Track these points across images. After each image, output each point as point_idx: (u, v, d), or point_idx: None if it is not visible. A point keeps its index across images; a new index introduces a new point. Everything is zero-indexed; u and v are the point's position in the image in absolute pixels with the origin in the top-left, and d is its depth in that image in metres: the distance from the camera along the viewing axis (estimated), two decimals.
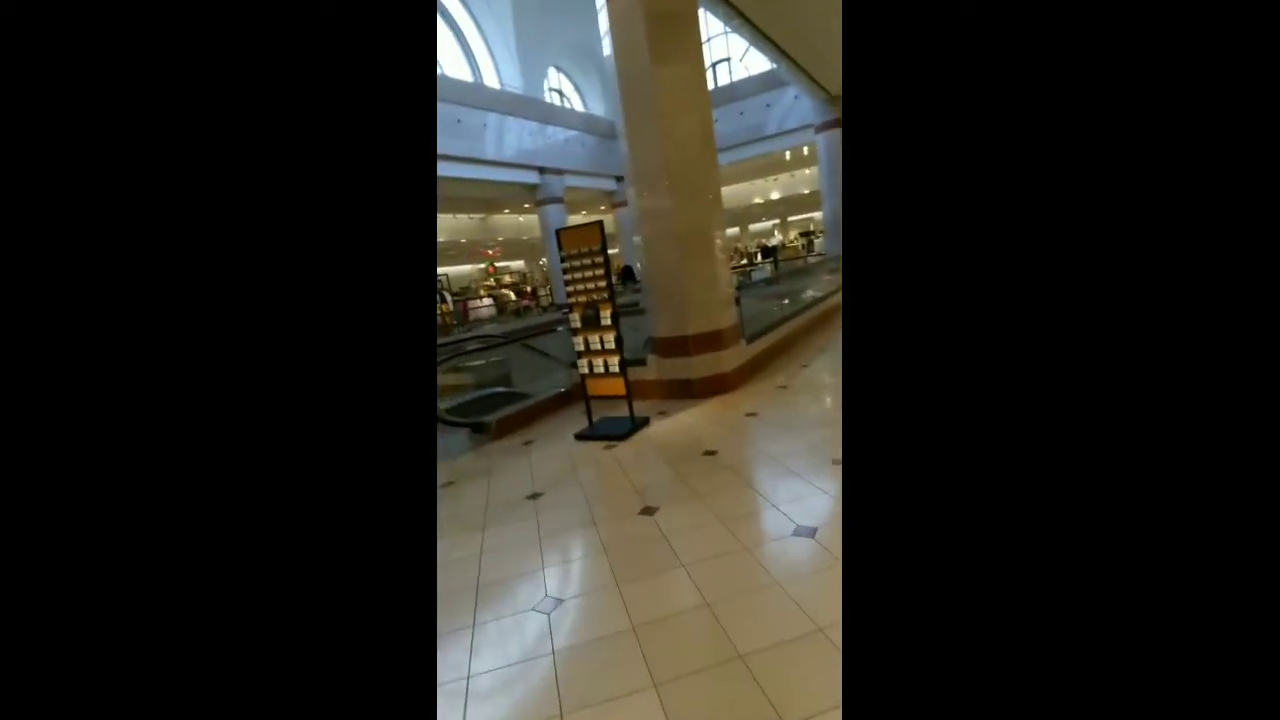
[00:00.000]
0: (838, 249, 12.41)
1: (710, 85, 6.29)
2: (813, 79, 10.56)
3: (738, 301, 5.47)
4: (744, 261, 18.68)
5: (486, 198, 17.23)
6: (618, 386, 4.22)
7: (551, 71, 20.11)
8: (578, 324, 4.28)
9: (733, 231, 25.18)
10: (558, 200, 16.38)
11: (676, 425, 4.23)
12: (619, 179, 16.73)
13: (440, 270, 18.41)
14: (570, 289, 4.27)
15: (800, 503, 2.66)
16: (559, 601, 2.15)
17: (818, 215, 19.48)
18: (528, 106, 15.88)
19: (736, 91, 16.52)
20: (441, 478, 3.79)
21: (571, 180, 16.94)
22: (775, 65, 10.46)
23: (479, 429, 4.59)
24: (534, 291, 19.78)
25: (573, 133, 17.22)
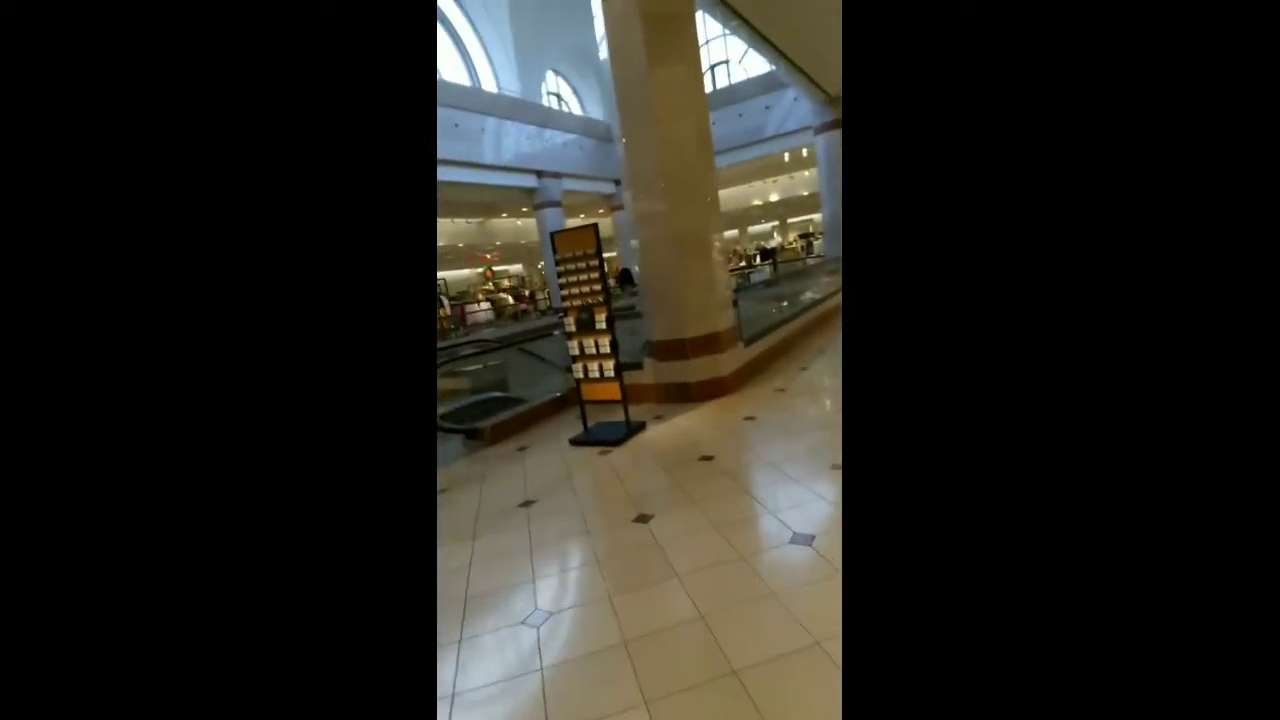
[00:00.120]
0: (836, 251, 12.37)
1: (709, 88, 6.27)
2: (811, 80, 10.53)
3: (735, 304, 5.42)
4: (742, 264, 18.64)
5: (484, 202, 17.21)
6: (613, 391, 4.16)
7: (549, 75, 20.12)
8: (572, 328, 4.22)
9: (731, 234, 25.17)
10: (556, 204, 16.36)
11: (673, 430, 4.17)
12: (617, 182, 16.70)
13: (438, 275, 18.37)
14: (565, 292, 4.22)
15: (798, 509, 2.60)
16: (549, 614, 2.09)
17: (817, 217, 19.46)
18: (525, 110, 15.87)
19: (735, 94, 16.51)
20: None
21: (570, 184, 16.92)
22: (774, 67, 10.43)
23: (472, 435, 4.53)
24: (532, 295, 19.75)
25: (571, 136, 17.21)
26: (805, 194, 21.75)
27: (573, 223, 17.01)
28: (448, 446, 4.51)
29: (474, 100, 14.20)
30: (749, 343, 5.53)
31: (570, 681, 1.74)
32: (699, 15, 6.13)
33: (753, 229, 27.32)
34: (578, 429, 4.34)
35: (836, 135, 11.86)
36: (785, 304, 8.27)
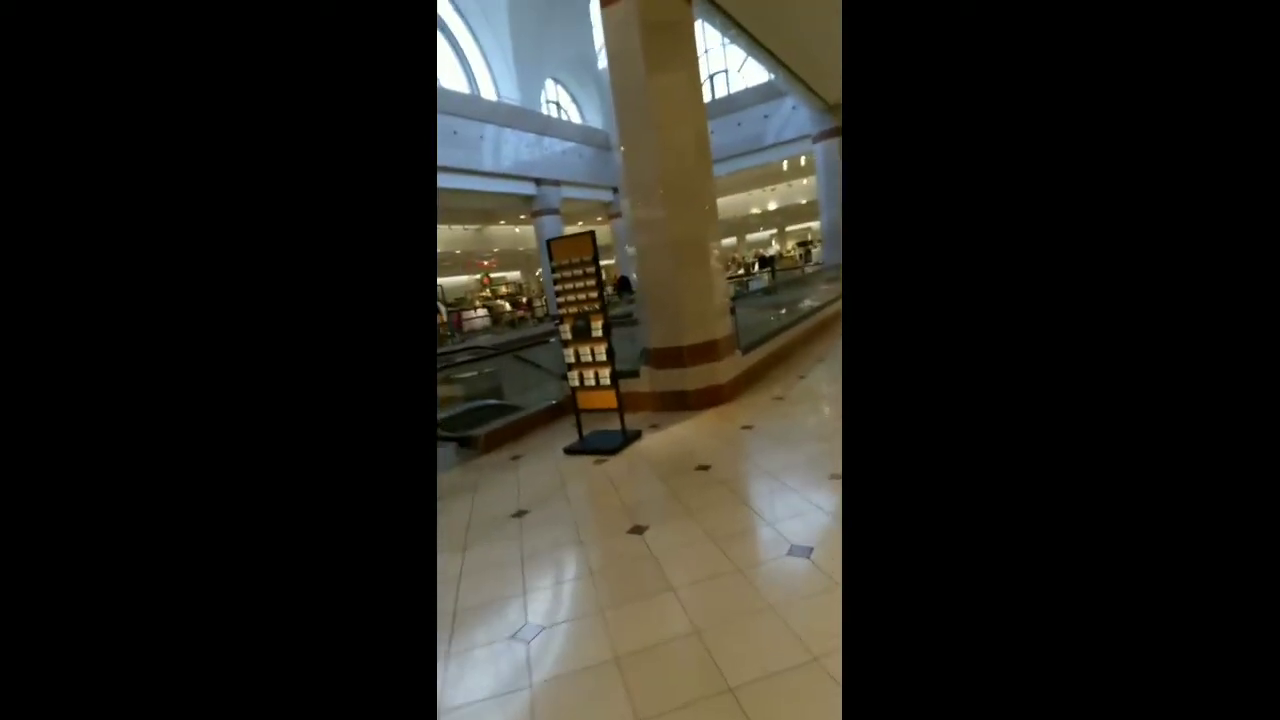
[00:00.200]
0: (835, 259, 12.36)
1: (708, 97, 6.26)
2: (810, 88, 10.56)
3: (733, 311, 5.39)
4: (741, 271, 18.64)
5: (483, 209, 17.21)
6: (609, 399, 4.11)
7: (549, 83, 20.20)
8: (568, 336, 4.18)
9: (730, 241, 25.21)
10: (554, 211, 16.36)
11: (669, 439, 4.12)
12: (615, 190, 16.73)
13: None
14: (561, 300, 4.18)
15: (796, 520, 2.55)
16: (541, 629, 2.03)
17: (815, 225, 19.50)
18: (525, 118, 15.90)
19: (734, 103, 16.57)
20: None
21: (568, 191, 16.94)
22: (773, 76, 10.47)
23: (466, 443, 4.48)
24: (529, 302, 19.71)
25: (570, 144, 17.24)
26: (803, 202, 21.80)
27: (571, 230, 17.04)
28: (440, 455, 4.45)
29: (473, 108, 14.23)
30: (747, 351, 5.49)
31: (561, 699, 1.68)
32: (698, 24, 6.13)
33: (751, 237, 27.38)
34: (573, 437, 4.29)
35: (835, 143, 11.88)
36: (783, 311, 8.24)
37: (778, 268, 17.43)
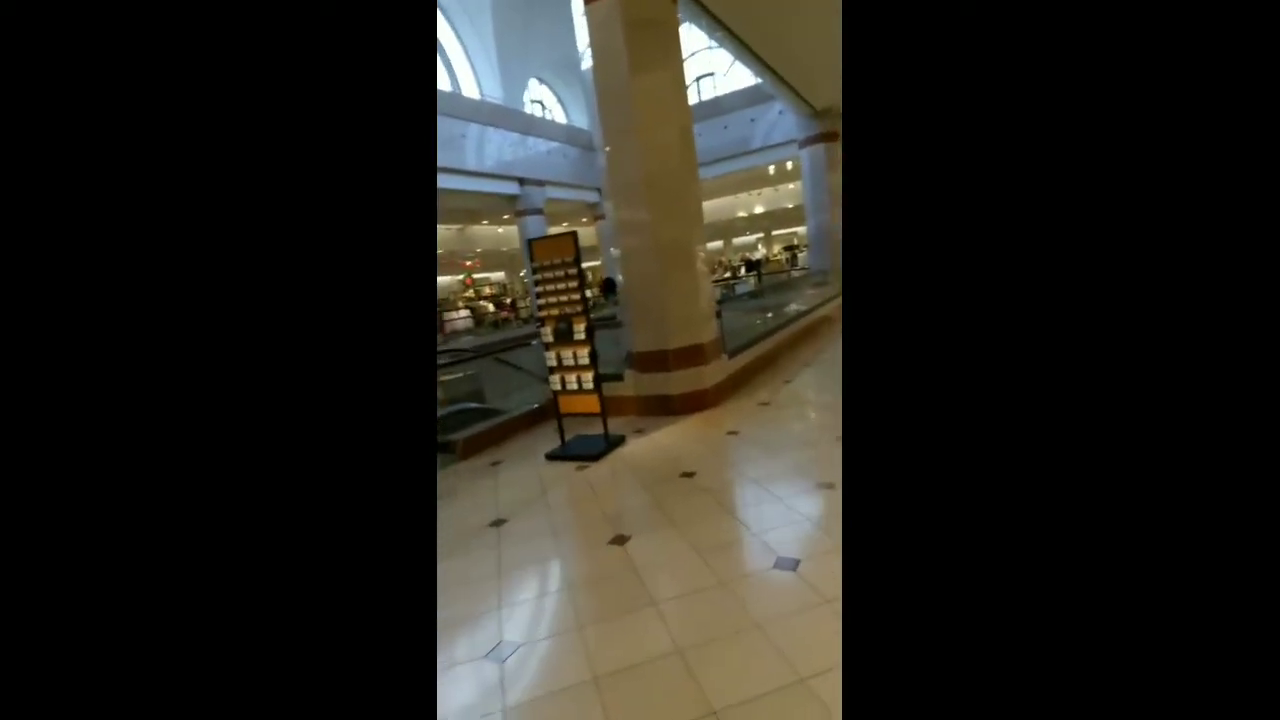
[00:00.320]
0: (821, 264, 12.38)
1: (694, 100, 6.18)
2: (797, 93, 10.56)
3: (719, 315, 5.32)
4: (727, 274, 18.65)
5: (466, 208, 17.01)
6: (592, 404, 4.02)
7: (533, 83, 20.06)
8: (550, 338, 4.08)
9: (716, 245, 25.24)
10: (538, 211, 16.21)
11: (653, 444, 4.04)
12: (601, 191, 16.72)
13: None
14: (543, 301, 4.08)
15: (782, 530, 2.48)
16: (515, 647, 1.94)
17: (801, 230, 19.56)
18: (508, 117, 15.75)
19: (721, 106, 16.57)
20: None
21: (553, 192, 16.81)
22: (760, 80, 10.45)
23: (444, 448, 4.35)
24: (513, 303, 19.52)
25: (554, 144, 17.12)
26: (790, 206, 21.88)
27: (555, 231, 16.92)
28: None
29: (456, 106, 14.05)
30: (733, 355, 5.44)
31: None
32: (685, 27, 6.07)
33: (738, 240, 27.43)
34: (555, 442, 4.19)
35: (821, 149, 11.90)
36: (769, 315, 8.21)
37: (764, 271, 17.45)
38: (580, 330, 3.95)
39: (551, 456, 4.00)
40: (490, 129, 14.77)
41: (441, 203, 15.18)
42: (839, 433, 3.65)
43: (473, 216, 18.85)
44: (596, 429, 4.15)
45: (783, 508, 2.71)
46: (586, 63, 4.84)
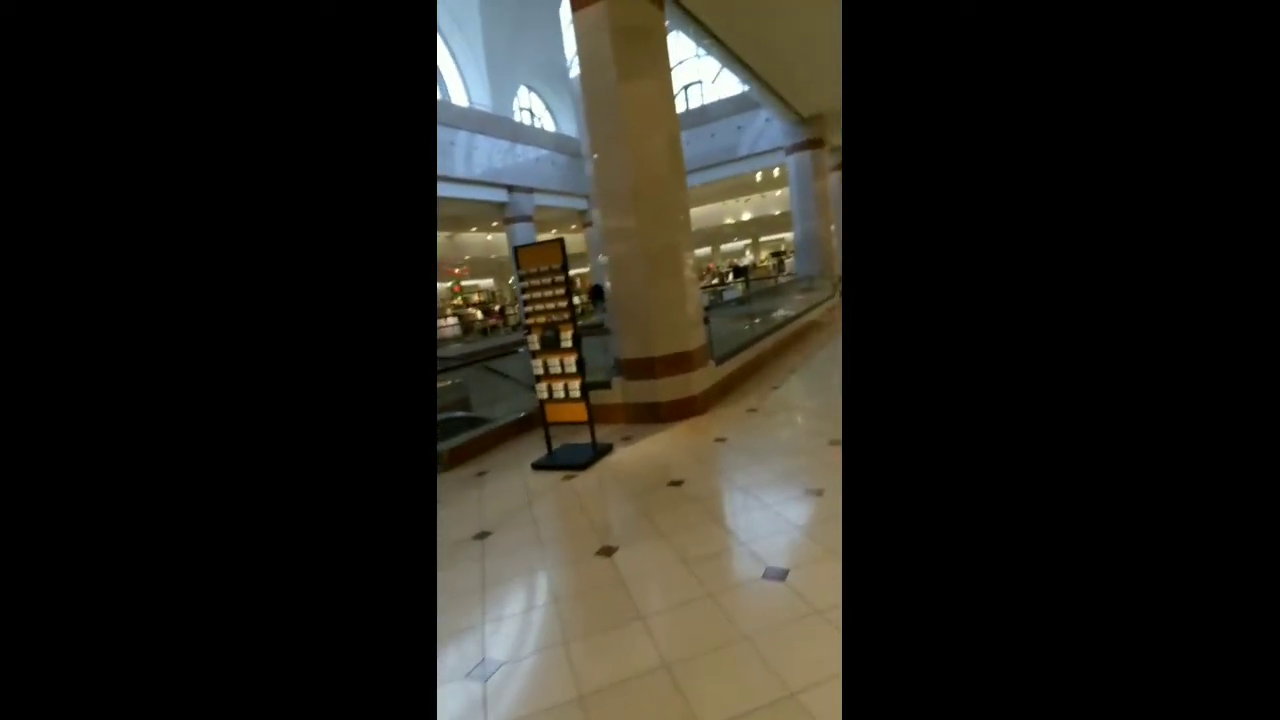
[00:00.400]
0: (808, 269, 12.43)
1: (682, 107, 6.18)
2: (783, 100, 10.62)
3: (707, 321, 5.31)
4: (715, 281, 18.69)
5: (454, 215, 16.93)
6: (579, 412, 3.98)
7: (522, 90, 20.06)
8: (537, 346, 4.04)
9: (704, 251, 25.31)
10: (527, 219, 16.18)
11: (641, 452, 4.00)
12: (589, 197, 16.72)
13: None
14: (530, 309, 4.04)
15: (771, 540, 2.45)
16: (499, 665, 1.89)
17: (788, 236, 19.65)
18: (497, 125, 15.73)
19: (708, 114, 16.65)
20: None
21: (541, 199, 16.78)
22: (747, 88, 10.51)
23: None
24: (502, 310, 19.41)
25: (543, 152, 17.11)
26: (777, 213, 22.01)
27: (544, 238, 16.89)
28: None
29: (444, 113, 14.00)
30: (720, 361, 5.42)
31: None
32: (672, 34, 6.09)
33: (725, 247, 27.53)
34: (542, 451, 4.14)
35: (807, 156, 11.97)
36: (757, 321, 8.21)
37: (752, 278, 17.50)
38: (567, 338, 3.91)
39: (538, 466, 3.95)
40: (479, 136, 14.73)
41: None
42: (828, 439, 3.63)
43: (461, 223, 18.77)
44: (584, 437, 4.11)
45: (771, 515, 2.68)
46: (575, 70, 4.82)
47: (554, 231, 20.21)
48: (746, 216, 23.87)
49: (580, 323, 4.01)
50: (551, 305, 3.95)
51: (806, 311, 9.22)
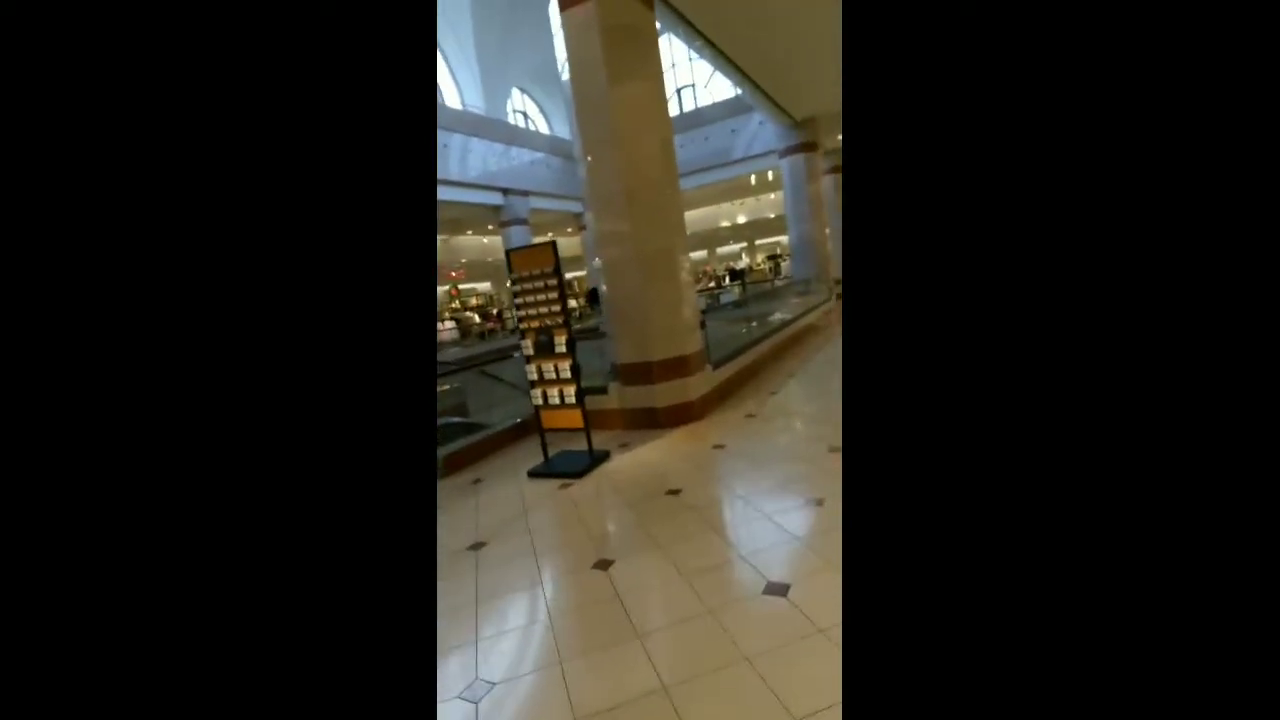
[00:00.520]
0: (804, 273, 12.40)
1: (675, 111, 6.12)
2: (776, 104, 10.60)
3: (703, 325, 5.25)
4: (712, 284, 18.66)
5: (450, 218, 16.85)
6: (575, 419, 3.91)
7: (516, 93, 20.00)
8: (530, 351, 3.97)
9: (700, 255, 25.26)
10: (523, 222, 16.12)
11: (638, 460, 3.94)
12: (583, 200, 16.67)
13: None
14: (523, 313, 3.98)
15: (771, 552, 2.39)
16: (490, 686, 1.82)
17: (784, 239, 19.65)
18: (491, 127, 15.68)
19: (702, 117, 16.63)
20: None
21: (537, 202, 16.72)
22: (740, 91, 10.48)
23: None
24: (499, 314, 19.33)
25: (538, 154, 17.05)
26: (772, 216, 22.00)
27: (540, 241, 16.79)
28: None
29: (439, 116, 13.94)
30: (718, 366, 5.36)
31: None
32: (665, 38, 6.04)
33: (721, 250, 27.50)
34: (539, 458, 4.07)
35: (801, 159, 11.94)
36: (754, 324, 8.16)
37: (748, 281, 17.48)
38: (561, 343, 3.85)
39: (534, 474, 3.88)
40: (473, 139, 14.67)
41: None
42: (828, 445, 3.58)
43: (457, 227, 18.69)
44: (581, 444, 4.04)
45: (771, 527, 2.62)
46: (567, 74, 4.77)
47: (550, 235, 20.14)
48: (742, 220, 23.86)
49: (579, 326, 3.94)
50: (545, 309, 3.89)
51: (803, 315, 9.18)
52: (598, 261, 4.92)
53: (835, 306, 11.84)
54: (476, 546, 2.89)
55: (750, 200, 22.61)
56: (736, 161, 16.30)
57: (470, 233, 19.96)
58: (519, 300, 3.97)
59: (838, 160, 14.39)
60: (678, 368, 4.71)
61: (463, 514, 3.37)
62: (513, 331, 15.35)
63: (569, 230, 21.02)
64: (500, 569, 2.62)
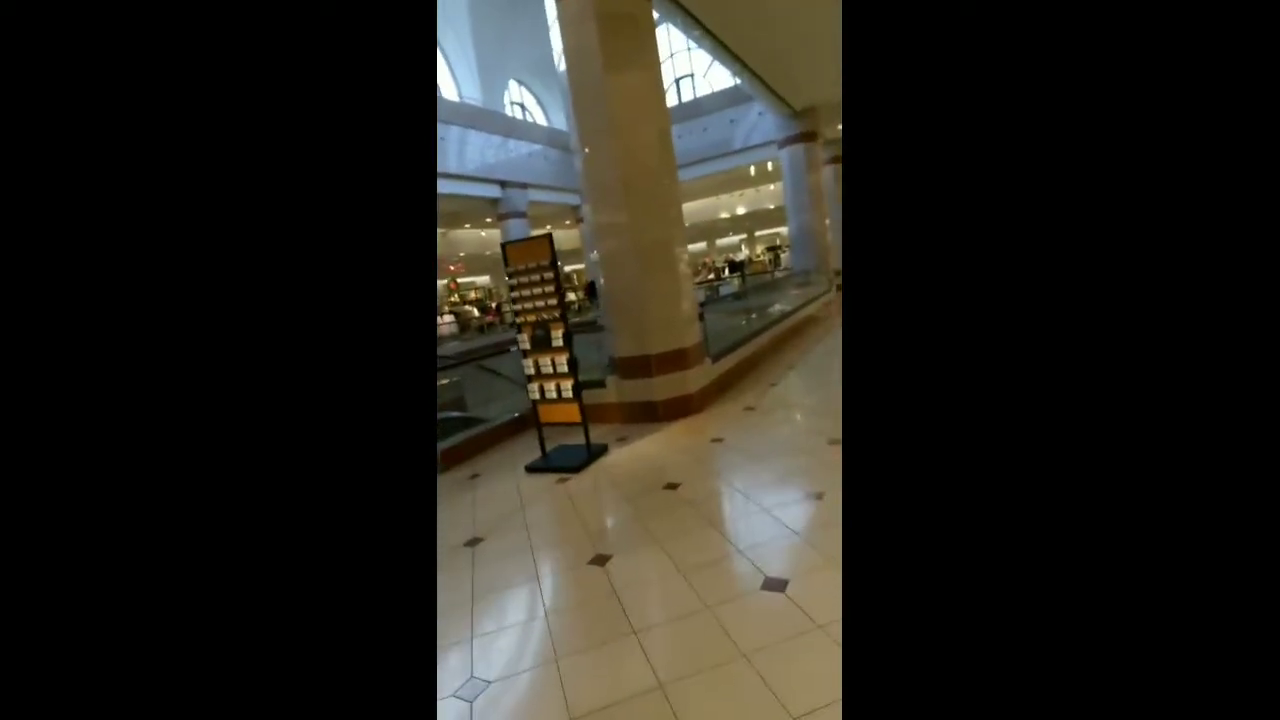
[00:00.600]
0: (803, 264, 12.34)
1: (674, 101, 6.05)
2: (775, 93, 10.50)
3: (702, 318, 5.21)
4: (711, 276, 18.59)
5: (448, 211, 16.76)
6: (572, 413, 3.89)
7: (513, 85, 19.87)
8: (527, 345, 3.94)
9: (699, 246, 25.18)
10: (521, 215, 16.02)
11: (636, 454, 3.91)
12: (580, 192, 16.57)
13: None
14: (519, 307, 3.94)
15: (770, 547, 2.36)
16: (486, 684, 1.80)
17: (783, 230, 19.56)
18: (489, 120, 15.55)
19: (701, 107, 16.49)
20: None
21: (535, 195, 16.62)
22: (738, 81, 10.38)
23: None
24: (498, 307, 19.29)
25: (536, 147, 16.93)
26: (771, 207, 21.88)
27: (538, 233, 16.71)
28: None
29: (437, 108, 13.84)
30: (717, 358, 5.33)
31: None
32: (664, 28, 5.97)
33: (721, 241, 27.40)
34: (537, 453, 4.04)
35: (800, 149, 11.85)
36: (754, 316, 8.12)
37: (747, 272, 17.41)
38: (558, 336, 3.82)
39: (532, 468, 3.86)
40: (471, 131, 14.56)
41: None
42: (827, 438, 3.55)
43: (455, 220, 18.59)
44: (579, 438, 4.02)
45: (770, 521, 2.60)
46: (563, 64, 4.70)
47: (548, 227, 20.05)
48: (741, 211, 23.73)
49: (576, 320, 3.91)
50: (541, 303, 3.85)
51: (803, 306, 9.14)
52: (595, 254, 4.88)
53: (835, 298, 11.79)
54: (473, 542, 2.87)
55: (750, 191, 22.49)
56: (736, 152, 16.18)
57: (468, 226, 19.86)
58: (515, 294, 3.93)
59: (838, 150, 14.28)
60: (676, 360, 4.67)
61: (459, 509, 3.35)
62: (511, 325, 15.33)
63: (567, 223, 20.93)
64: (496, 565, 2.60)
